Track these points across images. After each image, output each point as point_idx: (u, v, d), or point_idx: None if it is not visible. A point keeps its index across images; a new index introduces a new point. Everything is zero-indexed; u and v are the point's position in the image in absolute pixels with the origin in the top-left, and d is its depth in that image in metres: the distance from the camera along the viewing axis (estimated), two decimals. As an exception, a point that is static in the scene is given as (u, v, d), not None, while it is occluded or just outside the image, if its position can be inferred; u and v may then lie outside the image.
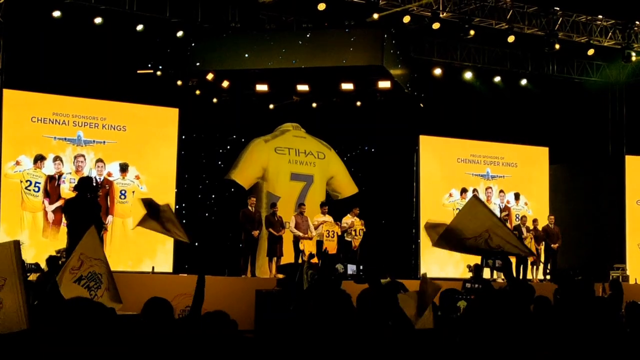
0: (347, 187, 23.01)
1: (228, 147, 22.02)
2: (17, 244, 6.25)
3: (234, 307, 10.19)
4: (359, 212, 19.95)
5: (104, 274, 8.52)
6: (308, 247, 18.62)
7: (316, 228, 19.16)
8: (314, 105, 22.27)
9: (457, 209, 21.77)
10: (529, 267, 20.51)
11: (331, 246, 18.55)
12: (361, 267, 15.18)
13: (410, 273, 21.61)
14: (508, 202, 23.58)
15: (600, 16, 22.39)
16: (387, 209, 23.00)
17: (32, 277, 12.69)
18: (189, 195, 20.97)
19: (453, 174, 23.38)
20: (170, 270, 19.02)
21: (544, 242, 21.07)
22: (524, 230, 20.65)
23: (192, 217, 20.64)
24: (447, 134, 23.51)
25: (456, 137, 23.66)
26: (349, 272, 15.90)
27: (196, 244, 18.73)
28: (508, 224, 19.83)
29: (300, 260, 17.64)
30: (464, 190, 23.24)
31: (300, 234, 18.96)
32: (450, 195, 23.18)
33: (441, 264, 22.10)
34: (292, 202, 21.13)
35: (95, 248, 8.51)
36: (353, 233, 19.42)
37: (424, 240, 20.88)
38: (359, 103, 22.29)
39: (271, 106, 22.07)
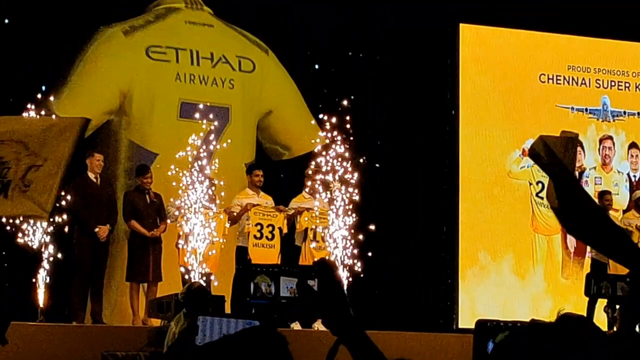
0: (303, 135, 17.10)
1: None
2: (85, 123, 7.14)
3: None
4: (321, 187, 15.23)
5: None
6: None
7: (235, 221, 14.70)
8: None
9: (539, 182, 16.52)
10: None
11: (268, 256, 14.29)
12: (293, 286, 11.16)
13: (438, 319, 16.63)
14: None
15: None
16: (388, 182, 17.39)
17: None
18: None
19: (528, 107, 17.49)
20: None
21: None
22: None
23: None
24: (514, 22, 17.16)
25: (537, 29, 17.25)
26: (284, 291, 11.61)
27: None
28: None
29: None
30: (553, 144, 16.56)
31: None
32: (525, 153, 17.26)
33: (505, 301, 16.98)
34: (183, 165, 15.86)
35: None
36: (313, 233, 15.01)
37: (468, 248, 16.54)
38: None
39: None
